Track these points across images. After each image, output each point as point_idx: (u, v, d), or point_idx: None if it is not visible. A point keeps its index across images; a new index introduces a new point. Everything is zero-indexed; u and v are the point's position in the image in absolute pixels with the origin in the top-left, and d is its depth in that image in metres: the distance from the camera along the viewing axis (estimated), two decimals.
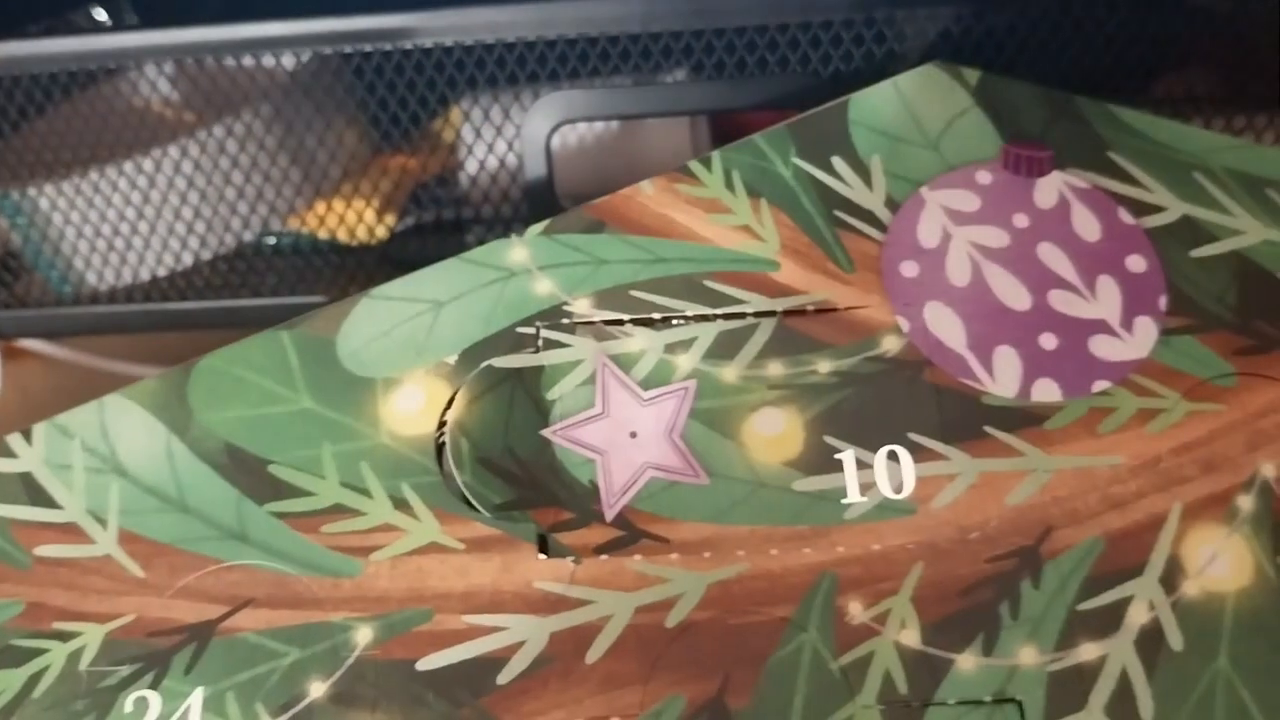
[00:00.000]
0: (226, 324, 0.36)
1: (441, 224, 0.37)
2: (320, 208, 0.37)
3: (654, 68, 0.34)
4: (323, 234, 0.37)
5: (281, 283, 0.36)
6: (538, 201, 0.35)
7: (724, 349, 0.25)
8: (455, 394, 0.24)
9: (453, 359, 0.25)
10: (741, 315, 0.25)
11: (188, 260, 0.37)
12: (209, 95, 0.36)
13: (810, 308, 0.25)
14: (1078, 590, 0.22)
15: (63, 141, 0.36)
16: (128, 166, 0.36)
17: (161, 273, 0.37)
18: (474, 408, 0.24)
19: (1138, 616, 0.22)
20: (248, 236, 0.37)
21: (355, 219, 0.37)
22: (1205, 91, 0.34)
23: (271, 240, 0.38)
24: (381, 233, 0.37)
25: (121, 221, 0.36)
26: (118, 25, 0.44)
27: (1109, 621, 0.22)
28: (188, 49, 0.34)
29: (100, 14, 0.44)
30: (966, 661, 0.22)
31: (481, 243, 0.27)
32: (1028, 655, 0.22)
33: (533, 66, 0.34)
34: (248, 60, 0.36)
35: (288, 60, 0.36)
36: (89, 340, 0.44)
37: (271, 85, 0.36)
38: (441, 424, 0.24)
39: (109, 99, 0.38)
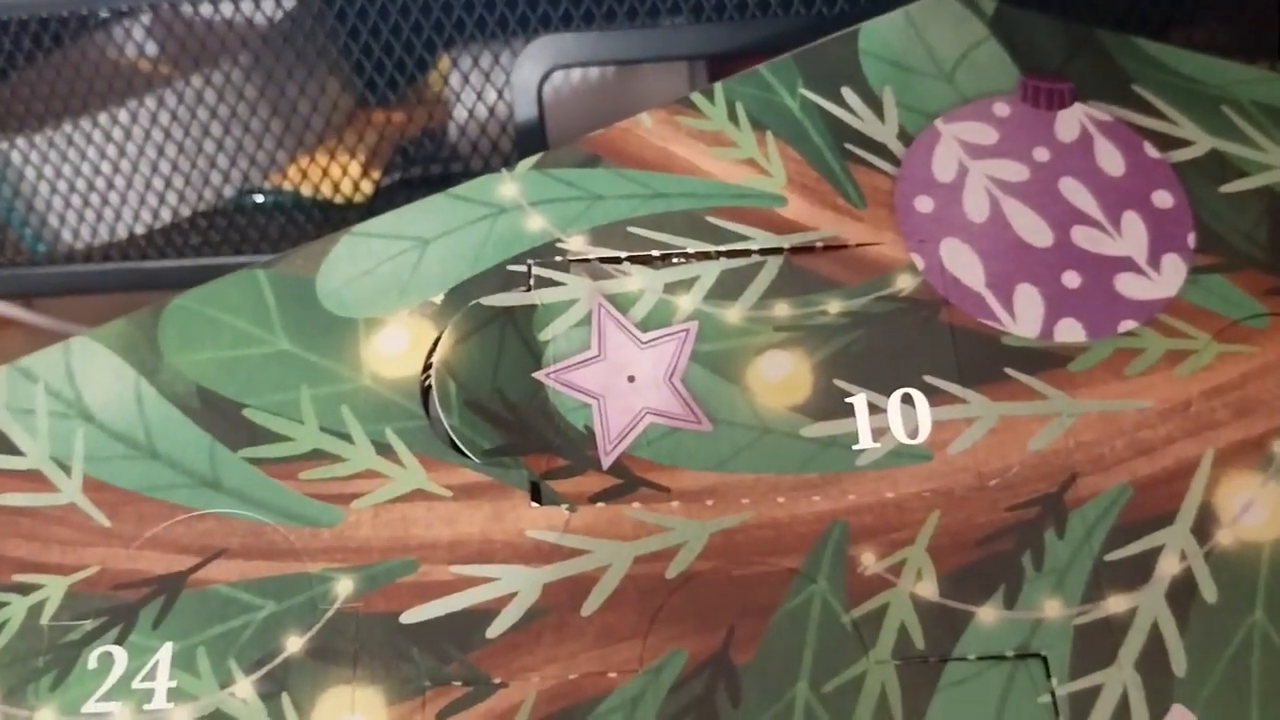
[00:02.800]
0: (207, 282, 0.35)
1: (429, 179, 0.36)
2: (303, 163, 0.35)
3: (651, 11, 0.32)
4: (306, 190, 0.36)
5: (264, 240, 0.35)
6: (529, 154, 0.34)
7: (727, 288, 0.23)
8: (441, 334, 0.23)
9: (439, 298, 0.23)
10: (746, 253, 0.23)
11: (166, 217, 0.35)
12: (186, 45, 0.35)
13: (819, 245, 0.23)
14: (1105, 540, 0.21)
15: (35, 94, 0.35)
16: (103, 119, 0.34)
17: (139, 230, 0.35)
18: (461, 348, 0.23)
19: (1169, 567, 0.21)
20: (228, 193, 0.35)
21: (340, 174, 0.35)
22: (1225, 41, 0.33)
23: (254, 197, 0.36)
24: (367, 189, 0.36)
25: (97, 176, 0.35)
26: None
27: (1138, 572, 0.21)
28: None
29: None
30: (987, 614, 0.20)
31: None
32: (1052, 608, 0.21)
33: (524, 9, 0.32)
34: (227, 8, 0.34)
35: (268, 6, 0.34)
36: (69, 308, 0.43)
37: (251, 34, 0.35)
38: (427, 366, 0.23)
39: (84, 51, 0.37)
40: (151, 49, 0.37)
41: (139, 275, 0.35)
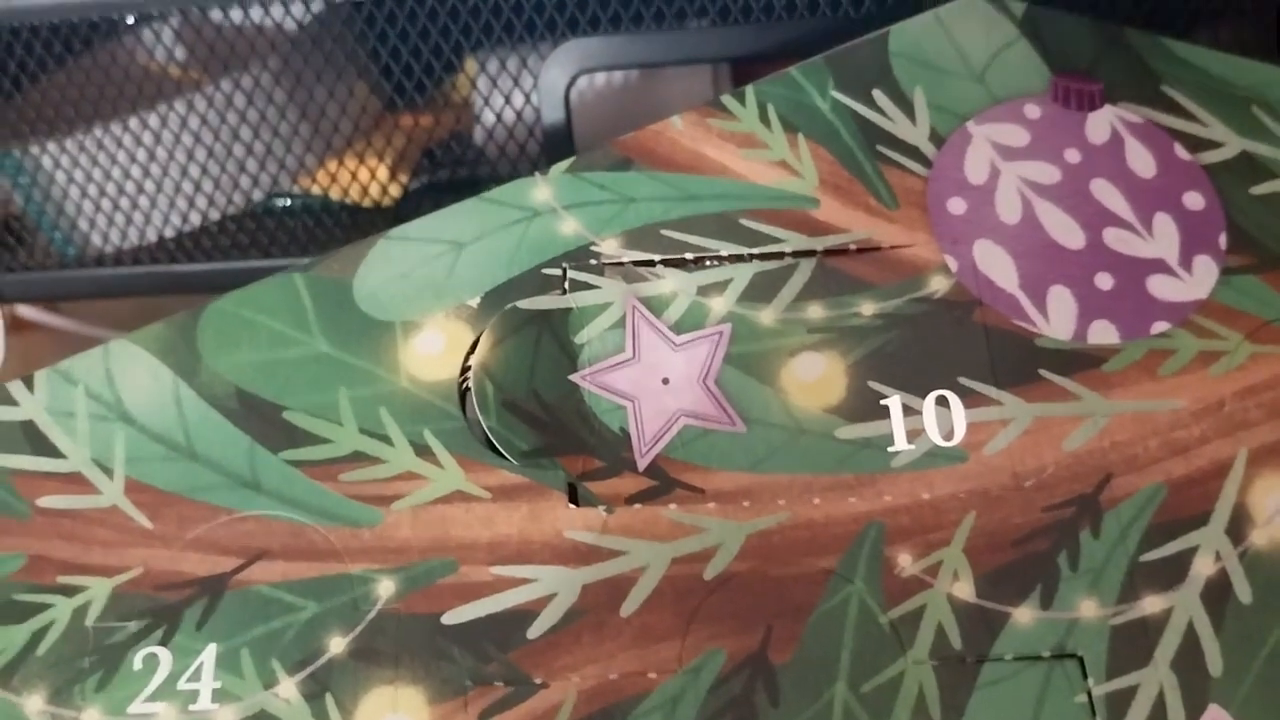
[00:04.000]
0: (235, 286, 0.35)
1: (456, 183, 0.36)
2: (331, 167, 0.36)
3: (677, 14, 0.33)
4: (334, 194, 0.36)
5: (292, 243, 0.35)
6: (556, 158, 0.34)
7: (760, 290, 0.23)
8: (479, 337, 0.23)
9: (475, 301, 0.23)
10: (779, 255, 0.24)
11: (195, 221, 0.36)
12: (215, 49, 0.35)
13: (852, 246, 0.23)
14: (1140, 540, 0.21)
15: (65, 98, 0.35)
16: (133, 124, 0.34)
17: (168, 234, 0.36)
18: (499, 351, 0.23)
19: (1203, 567, 0.21)
20: (257, 196, 0.36)
21: (367, 178, 0.36)
22: (1251, 39, 0.33)
23: (281, 201, 0.36)
24: (395, 192, 0.36)
25: (127, 181, 0.35)
26: None
27: (1173, 573, 0.21)
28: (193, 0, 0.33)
29: None
30: (1023, 615, 0.21)
31: None
32: (1088, 608, 0.21)
33: (550, 13, 0.33)
34: (255, 13, 0.35)
35: (297, 11, 0.34)
36: (94, 311, 0.43)
37: (280, 39, 0.35)
38: (465, 368, 0.23)
39: (114, 55, 0.37)
40: (180, 53, 0.37)
41: (168, 278, 0.35)
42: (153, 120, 0.34)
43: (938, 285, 0.23)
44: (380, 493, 0.22)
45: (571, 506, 0.21)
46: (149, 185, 0.35)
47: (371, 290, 0.24)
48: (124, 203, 0.35)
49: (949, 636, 0.20)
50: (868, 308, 0.23)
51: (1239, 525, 0.21)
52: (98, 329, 0.42)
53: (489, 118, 0.34)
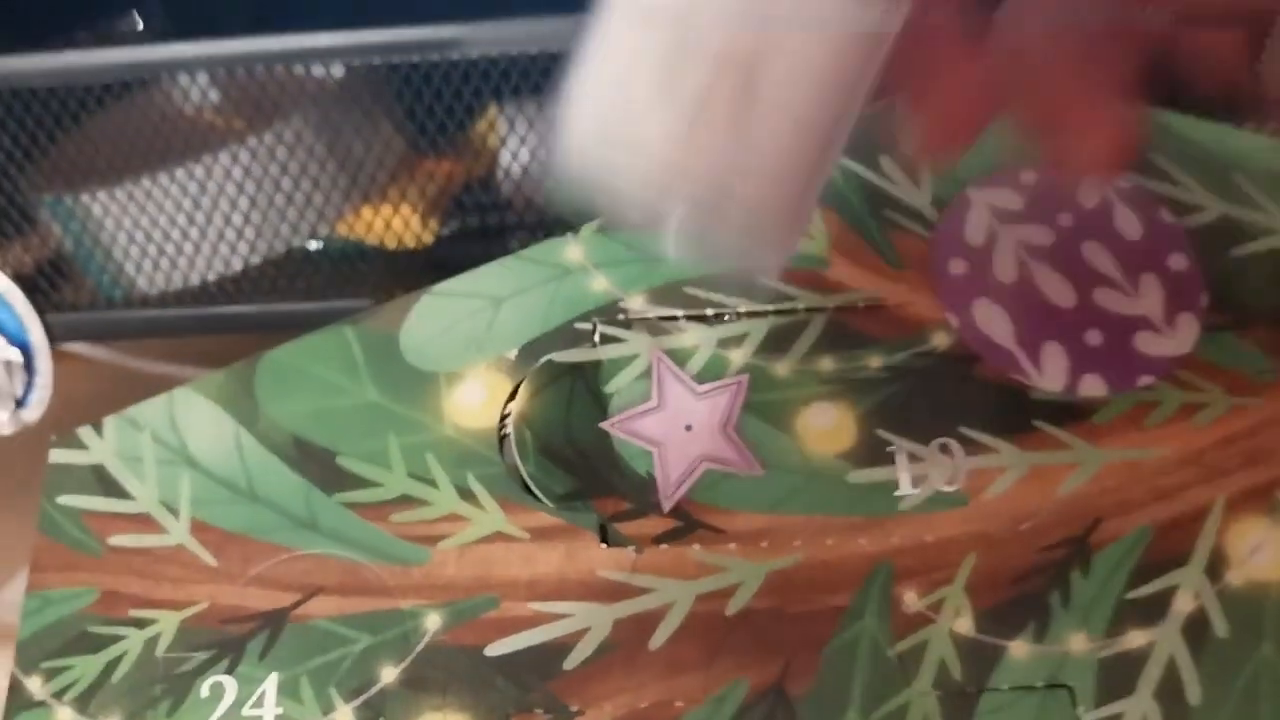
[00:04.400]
0: (274, 327, 0.37)
1: (485, 228, 0.38)
2: (366, 213, 0.38)
3: None
4: (368, 239, 0.38)
5: (328, 287, 0.37)
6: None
7: (776, 343, 0.25)
8: (517, 387, 0.25)
9: (512, 354, 0.25)
10: (793, 311, 0.25)
11: (236, 265, 0.38)
12: (256, 102, 0.37)
13: (860, 304, 0.25)
14: (1126, 579, 0.23)
15: (114, 148, 0.37)
16: (178, 173, 0.36)
17: (211, 277, 0.38)
18: (536, 400, 0.25)
19: (1184, 604, 0.23)
20: (295, 241, 0.38)
21: (400, 224, 0.38)
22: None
23: (318, 245, 0.38)
24: (426, 238, 0.38)
25: (171, 227, 0.37)
26: (155, 32, 0.45)
27: (1156, 609, 0.23)
28: (238, 59, 0.35)
29: (136, 20, 0.45)
30: (1019, 648, 0.22)
31: (524, 246, 0.27)
32: (1078, 642, 0.23)
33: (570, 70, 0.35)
34: (298, 68, 0.37)
35: (337, 69, 0.36)
36: (131, 343, 0.45)
37: (318, 93, 0.37)
38: (504, 416, 0.25)
39: (159, 105, 0.39)
40: (226, 104, 0.39)
41: (210, 319, 0.37)
42: (197, 169, 0.36)
43: (940, 341, 0.25)
44: (428, 533, 0.24)
45: (603, 546, 0.23)
46: (193, 231, 0.37)
47: (417, 343, 0.26)
48: (169, 247, 0.37)
49: (951, 668, 0.22)
50: (875, 361, 0.25)
51: (1217, 565, 0.23)
52: (134, 359, 0.44)
53: (516, 169, 0.36)
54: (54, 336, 0.38)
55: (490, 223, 0.38)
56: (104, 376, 0.46)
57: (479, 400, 0.25)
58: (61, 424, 0.26)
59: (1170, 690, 0.22)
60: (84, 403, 0.44)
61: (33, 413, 0.37)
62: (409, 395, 0.25)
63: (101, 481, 0.25)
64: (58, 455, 0.25)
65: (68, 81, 0.35)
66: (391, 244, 0.38)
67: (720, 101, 0.17)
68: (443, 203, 0.38)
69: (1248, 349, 0.25)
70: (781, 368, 0.25)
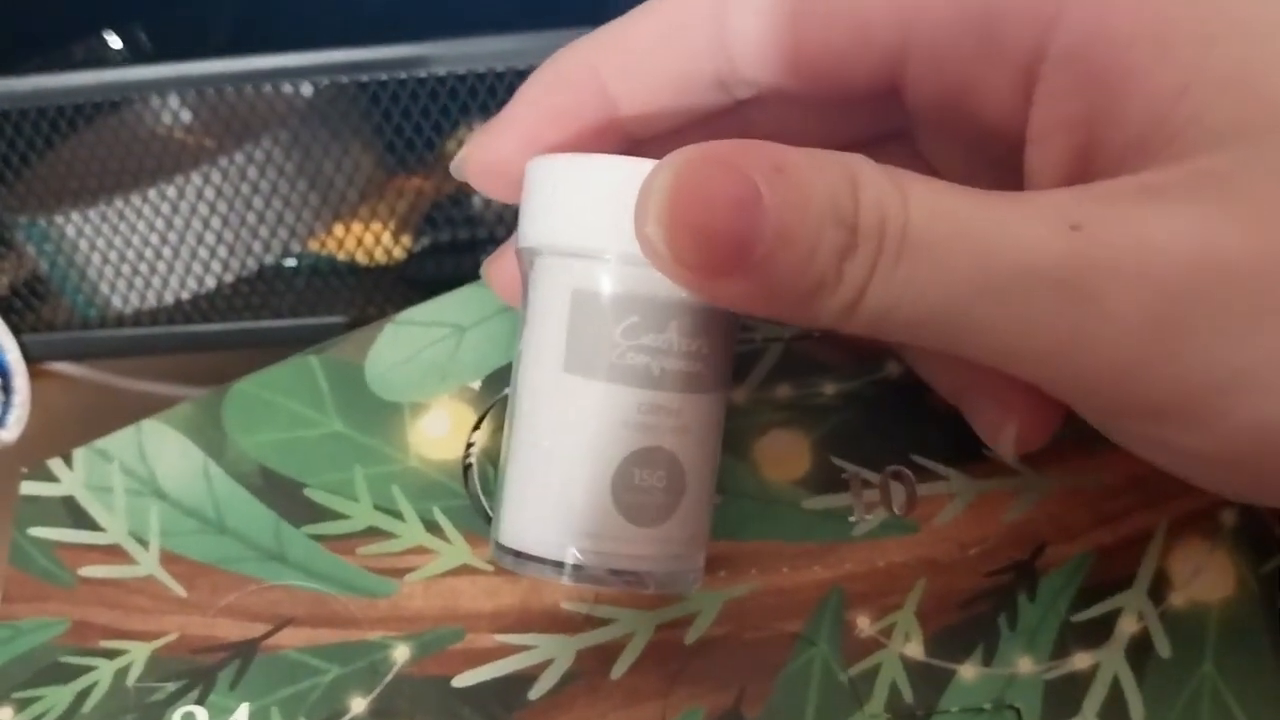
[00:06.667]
0: (248, 345, 0.37)
1: (457, 244, 0.39)
2: (338, 230, 0.38)
3: None
4: (341, 256, 0.38)
5: (301, 304, 0.38)
6: None
7: (734, 372, 0.26)
8: (482, 417, 0.25)
9: (476, 384, 0.26)
10: (750, 340, 0.26)
11: (210, 283, 0.38)
12: (228, 122, 0.37)
13: (816, 333, 0.26)
14: (1071, 602, 0.24)
15: (87, 169, 0.38)
16: (151, 193, 0.37)
17: (185, 296, 0.38)
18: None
19: (1128, 626, 0.24)
20: (268, 259, 0.38)
21: (372, 241, 0.38)
22: None
23: (291, 262, 0.39)
24: (398, 254, 0.38)
25: (146, 246, 0.37)
26: (133, 52, 0.45)
27: (1101, 631, 0.24)
28: (210, 79, 0.35)
29: (114, 40, 0.46)
30: (968, 671, 0.23)
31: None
32: (1025, 664, 0.23)
33: None
34: (267, 88, 0.37)
35: (306, 88, 0.37)
36: (112, 360, 0.46)
37: (289, 112, 0.37)
38: (469, 446, 0.25)
39: (131, 126, 0.40)
40: (197, 124, 0.40)
41: (184, 338, 0.38)
42: (170, 189, 0.37)
43: (893, 369, 0.26)
44: (394, 565, 0.24)
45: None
46: (166, 250, 0.37)
47: (381, 372, 0.26)
48: (142, 267, 0.38)
49: (902, 692, 0.23)
50: (830, 388, 0.26)
51: (1160, 587, 0.24)
52: (115, 377, 0.45)
53: None
54: (31, 356, 0.39)
55: (461, 238, 0.39)
56: (86, 394, 0.46)
57: (443, 431, 0.25)
58: (44, 443, 0.27)
59: (1115, 710, 0.23)
60: (67, 421, 0.45)
61: (10, 433, 0.37)
62: (374, 426, 0.26)
63: (72, 513, 0.25)
64: (28, 487, 0.26)
65: (40, 104, 0.35)
66: (364, 260, 0.38)
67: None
68: (414, 219, 0.39)
69: None
70: (738, 395, 0.26)
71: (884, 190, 0.16)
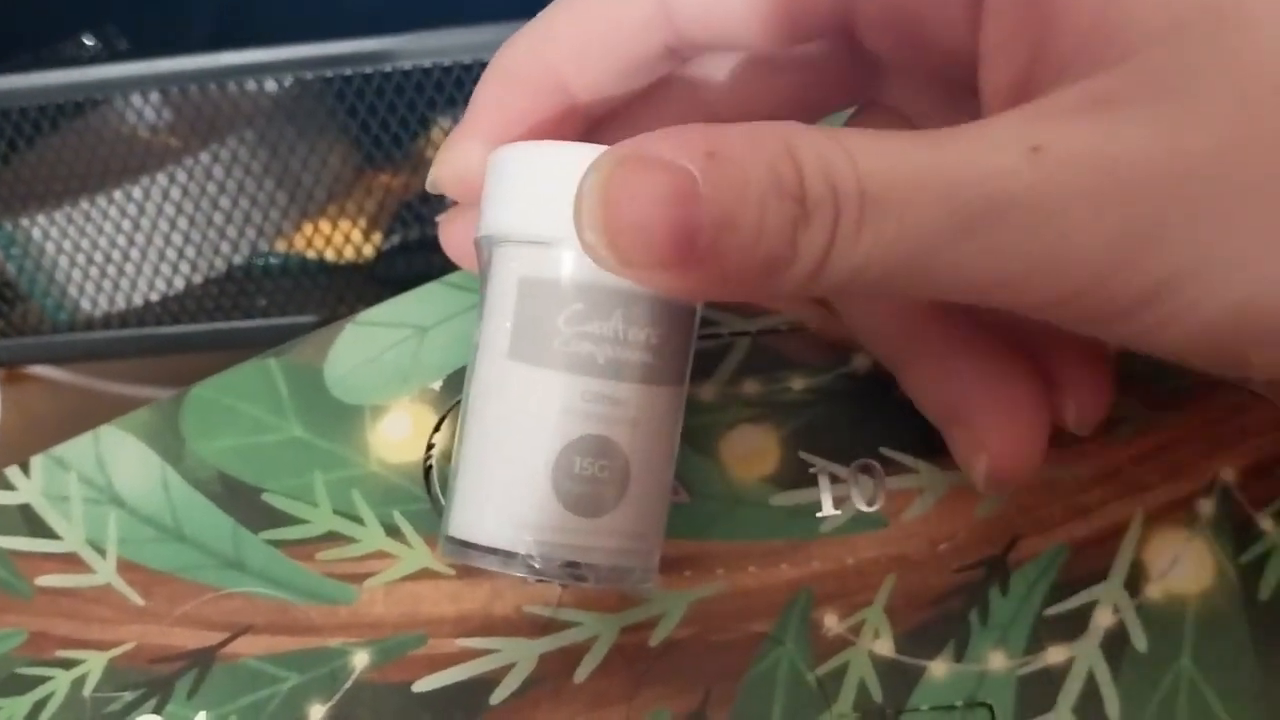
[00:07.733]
0: (220, 346, 0.37)
1: (427, 241, 0.38)
2: (308, 229, 0.38)
3: None
4: (311, 254, 0.38)
5: (272, 304, 0.37)
6: None
7: (700, 368, 0.25)
8: (443, 418, 0.25)
9: (437, 385, 0.25)
10: (717, 335, 0.26)
11: (179, 284, 0.38)
12: (195, 121, 0.37)
13: (784, 327, 0.26)
14: (1044, 596, 0.23)
15: (53, 172, 0.37)
16: (118, 194, 0.36)
17: (154, 297, 0.38)
18: None
19: (1103, 619, 0.23)
20: (238, 259, 0.38)
21: (342, 239, 0.38)
22: None
23: (261, 262, 0.38)
24: (369, 252, 0.38)
25: (113, 248, 0.37)
26: (109, 51, 0.45)
27: (1075, 625, 0.23)
28: (176, 78, 0.34)
29: (89, 40, 0.45)
30: (938, 668, 0.23)
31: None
32: (997, 660, 0.23)
33: None
34: (232, 86, 0.36)
35: (271, 85, 0.36)
36: (87, 363, 0.45)
37: (256, 110, 0.37)
38: (429, 447, 0.25)
39: (97, 128, 0.39)
40: (163, 124, 0.39)
41: (156, 340, 0.37)
42: (136, 190, 0.36)
43: (861, 363, 0.25)
44: (354, 570, 0.24)
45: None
46: (134, 252, 0.37)
47: (341, 375, 0.26)
48: (111, 269, 0.37)
49: (870, 690, 0.23)
50: (798, 383, 0.25)
51: (1135, 580, 0.23)
52: (91, 379, 0.44)
53: None
54: (1, 361, 0.38)
55: (433, 235, 0.38)
56: (68, 397, 0.46)
57: (404, 434, 0.25)
58: (18, 443, 0.26)
59: (1090, 705, 0.23)
60: (46, 424, 0.44)
61: None
62: (333, 430, 0.25)
63: (29, 522, 0.25)
64: None
65: (4, 105, 0.35)
66: (334, 259, 0.38)
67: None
68: (384, 216, 0.38)
69: (1165, 363, 0.25)
70: (706, 392, 0.25)
71: (826, 152, 0.16)
